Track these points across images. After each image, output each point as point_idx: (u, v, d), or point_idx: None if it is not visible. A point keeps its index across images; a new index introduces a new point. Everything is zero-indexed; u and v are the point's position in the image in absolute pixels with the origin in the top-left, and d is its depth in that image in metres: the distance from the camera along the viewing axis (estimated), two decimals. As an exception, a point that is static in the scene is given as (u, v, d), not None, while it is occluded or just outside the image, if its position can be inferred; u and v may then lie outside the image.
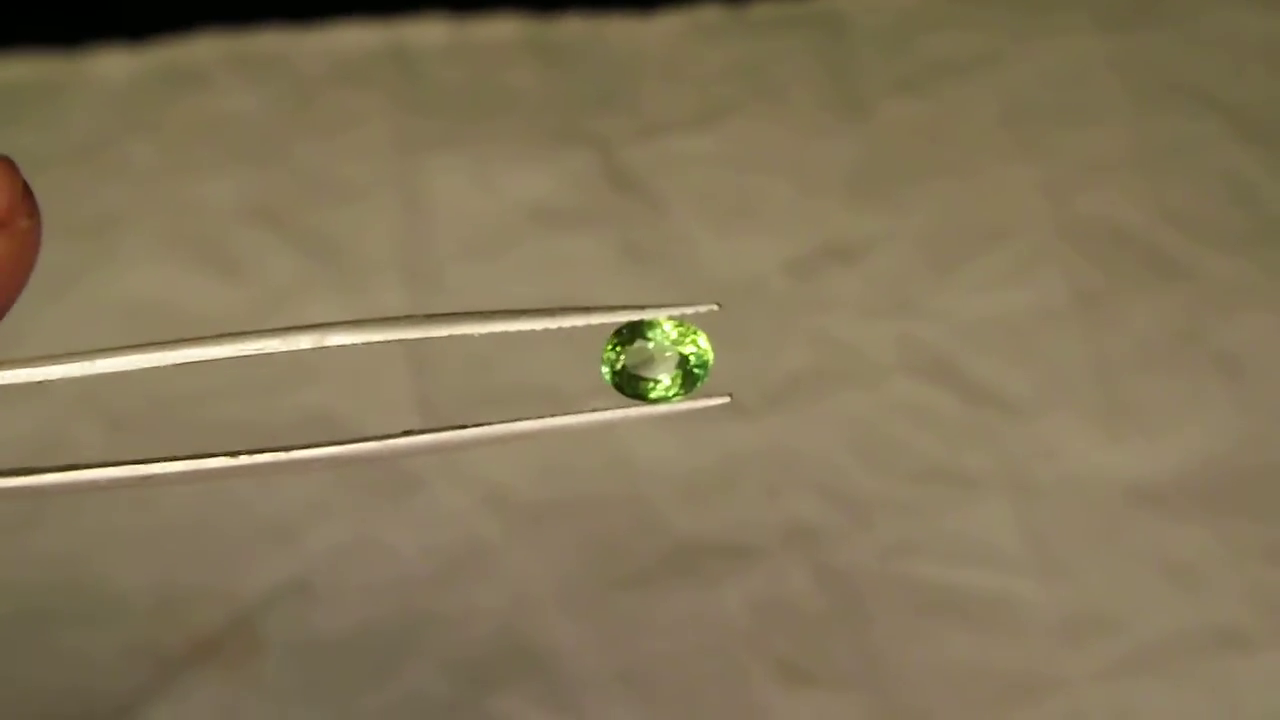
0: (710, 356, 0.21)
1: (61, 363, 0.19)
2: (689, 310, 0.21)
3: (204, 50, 0.57)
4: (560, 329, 0.20)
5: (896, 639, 0.44)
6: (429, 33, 0.58)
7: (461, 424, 0.20)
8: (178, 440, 0.48)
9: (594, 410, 0.20)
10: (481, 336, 0.56)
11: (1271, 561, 0.45)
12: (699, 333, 0.21)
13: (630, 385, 0.21)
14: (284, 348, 0.19)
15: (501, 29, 0.58)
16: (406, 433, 0.20)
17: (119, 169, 0.55)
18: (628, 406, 0.21)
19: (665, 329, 0.21)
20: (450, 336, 0.55)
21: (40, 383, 0.19)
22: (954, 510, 0.46)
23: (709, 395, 0.21)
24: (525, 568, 0.45)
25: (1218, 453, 0.47)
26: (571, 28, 0.58)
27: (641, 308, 0.21)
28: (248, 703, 0.43)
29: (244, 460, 0.20)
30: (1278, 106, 0.55)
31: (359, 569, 0.45)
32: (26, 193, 0.19)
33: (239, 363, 0.54)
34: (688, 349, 0.21)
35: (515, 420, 0.20)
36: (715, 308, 0.21)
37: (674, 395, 0.21)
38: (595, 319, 0.20)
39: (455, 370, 0.50)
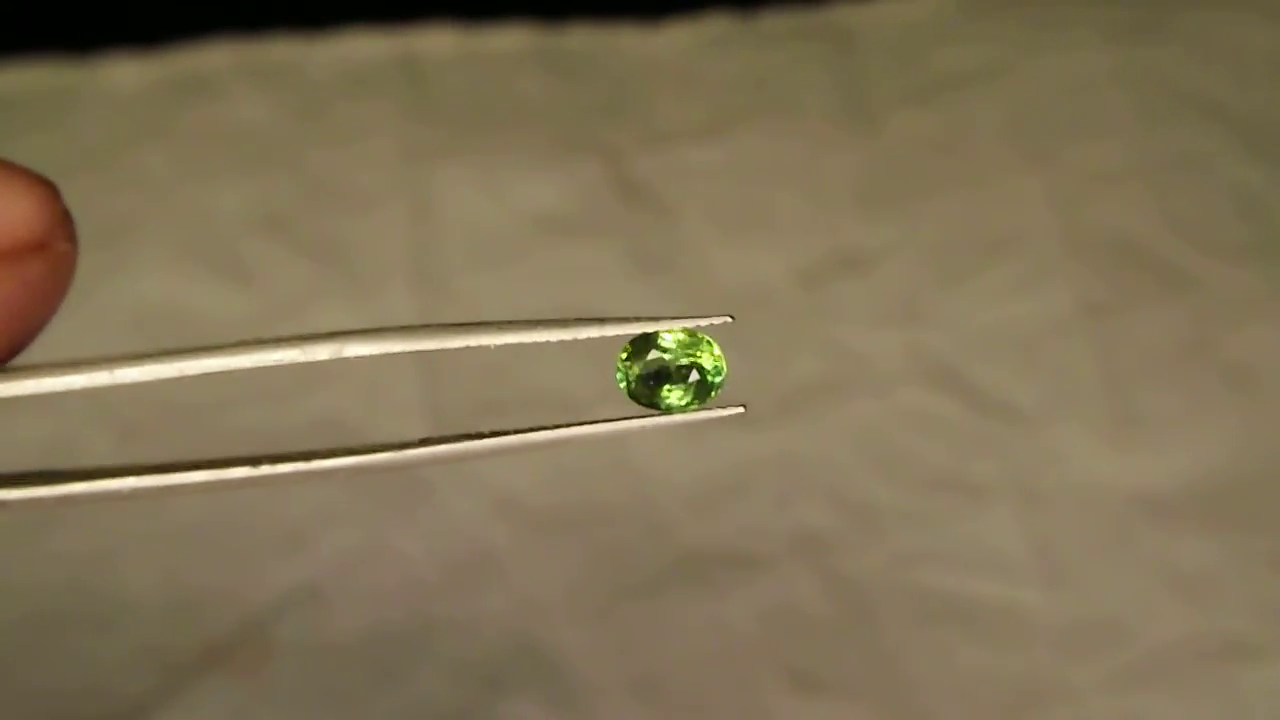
0: (725, 366, 0.21)
1: (83, 372, 0.19)
2: (703, 321, 0.21)
3: (215, 59, 0.58)
4: (575, 340, 0.20)
5: (905, 647, 0.44)
6: (438, 42, 0.58)
7: (478, 433, 0.20)
8: (188, 446, 0.48)
9: (609, 420, 0.21)
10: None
11: (1278, 572, 0.45)
12: (713, 343, 0.21)
13: (645, 395, 0.21)
14: (303, 358, 0.20)
15: (511, 39, 0.58)
16: (424, 441, 0.20)
17: (130, 177, 0.55)
18: (642, 416, 0.21)
19: (680, 339, 0.21)
20: (467, 354, 0.55)
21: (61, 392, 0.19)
22: (962, 519, 0.46)
23: (723, 405, 0.21)
24: (534, 574, 0.45)
25: (1225, 463, 0.47)
26: (581, 38, 0.58)
27: (656, 319, 0.21)
28: (258, 707, 0.43)
29: (265, 470, 0.20)
30: (1285, 120, 0.55)
31: (369, 575, 0.45)
32: (66, 216, 0.19)
33: (246, 376, 0.54)
34: (703, 359, 0.21)
35: (531, 430, 0.20)
36: (729, 319, 0.21)
37: (689, 405, 0.21)
38: (610, 330, 0.21)
39: (466, 376, 0.50)
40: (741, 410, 0.21)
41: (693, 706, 0.43)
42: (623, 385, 0.21)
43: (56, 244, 0.18)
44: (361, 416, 0.49)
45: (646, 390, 0.21)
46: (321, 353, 0.20)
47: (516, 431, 0.20)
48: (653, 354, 0.21)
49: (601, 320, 0.21)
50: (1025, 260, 0.52)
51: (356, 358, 0.54)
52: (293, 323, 0.52)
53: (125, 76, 0.57)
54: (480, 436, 0.20)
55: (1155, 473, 0.47)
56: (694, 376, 0.21)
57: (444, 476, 0.47)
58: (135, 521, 0.46)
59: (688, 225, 0.54)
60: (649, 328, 0.21)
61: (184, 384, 0.20)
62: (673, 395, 0.21)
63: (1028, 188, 0.54)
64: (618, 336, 0.21)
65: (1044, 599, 0.45)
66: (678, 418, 0.21)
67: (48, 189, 0.18)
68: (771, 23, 0.58)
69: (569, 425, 0.20)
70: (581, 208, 0.54)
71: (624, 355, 0.21)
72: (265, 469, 0.20)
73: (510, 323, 0.20)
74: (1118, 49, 0.57)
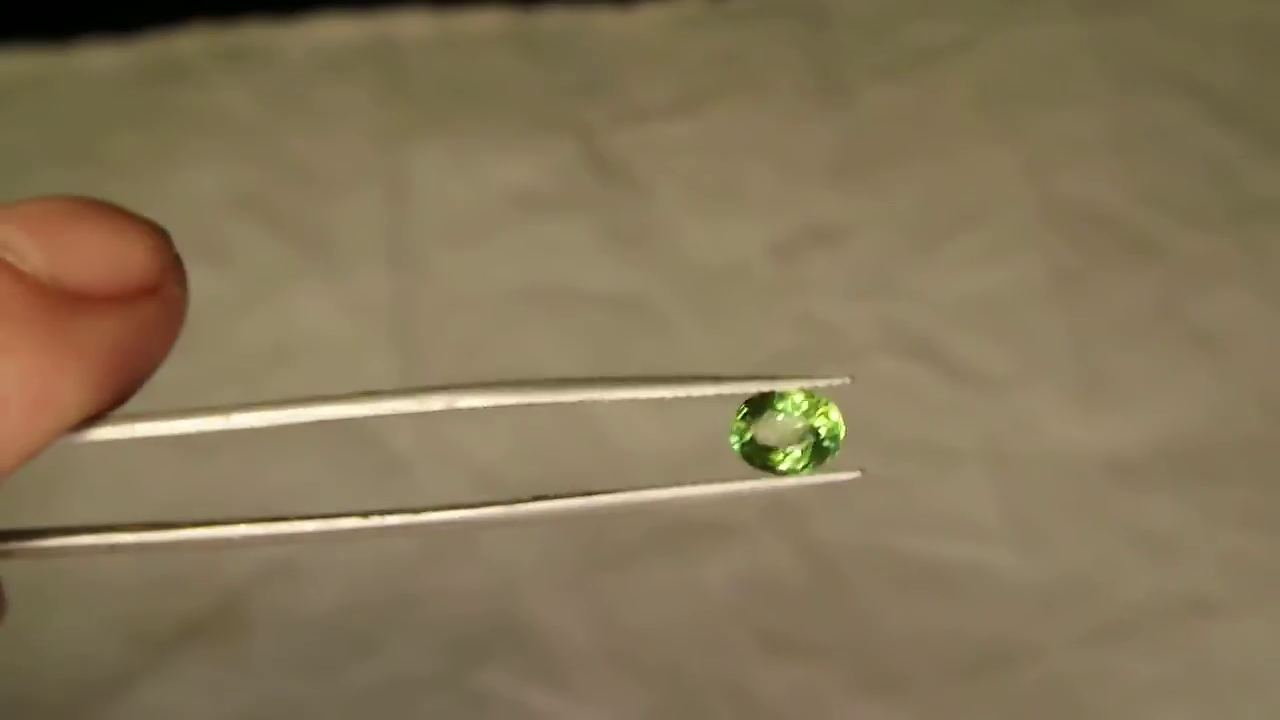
0: (842, 431, 0.21)
1: (200, 416, 0.19)
2: (820, 383, 0.20)
3: (190, 44, 0.58)
4: (688, 396, 0.20)
5: (877, 610, 0.44)
6: (413, 25, 0.58)
7: (587, 491, 0.20)
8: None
9: (718, 481, 0.20)
10: (470, 320, 0.56)
11: (1245, 530, 0.45)
12: (830, 405, 0.21)
13: (759, 457, 0.21)
14: (417, 408, 0.20)
15: (485, 21, 0.58)
16: (536, 498, 0.20)
17: (107, 162, 0.55)
18: (755, 478, 0.20)
19: (796, 400, 0.21)
20: (439, 321, 0.55)
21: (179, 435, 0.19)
22: (934, 484, 0.47)
23: (839, 469, 0.20)
24: (510, 546, 0.46)
25: (1193, 425, 0.47)
26: (555, 19, 0.58)
27: (774, 378, 0.20)
28: (235, 681, 0.44)
29: (375, 522, 0.20)
30: (1253, 88, 0.55)
31: (345, 548, 0.45)
32: (177, 261, 0.19)
33: (225, 355, 0.54)
34: (818, 422, 0.21)
35: (637, 489, 0.20)
36: (848, 380, 0.20)
37: (803, 468, 0.21)
38: (727, 389, 0.20)
39: (444, 355, 0.51)
40: (858, 475, 0.20)
41: (667, 673, 0.44)
42: (736, 446, 0.21)
43: (168, 288, 0.19)
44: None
45: (761, 452, 0.21)
46: (435, 404, 0.20)
47: (619, 491, 0.20)
48: (767, 415, 0.21)
49: (718, 379, 0.20)
50: (996, 229, 0.52)
51: (330, 340, 0.54)
52: (270, 302, 0.52)
53: (101, 62, 0.58)
54: (589, 494, 0.20)
55: (1124, 436, 0.47)
56: (810, 439, 0.21)
57: (420, 451, 0.48)
58: (112, 499, 0.46)
59: (661, 201, 0.54)
60: (766, 387, 0.20)
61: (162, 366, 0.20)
62: (787, 460, 0.21)
63: (999, 158, 0.54)
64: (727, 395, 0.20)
65: (1015, 561, 0.45)
66: (790, 481, 0.20)
67: (160, 236, 0.19)
68: (743, 2, 0.58)
69: (678, 486, 0.20)
70: (556, 185, 0.55)
71: (740, 415, 0.21)
72: (375, 520, 0.20)
73: (623, 379, 0.20)
74: (1088, 21, 0.57)
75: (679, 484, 0.20)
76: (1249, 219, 0.52)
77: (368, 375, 0.50)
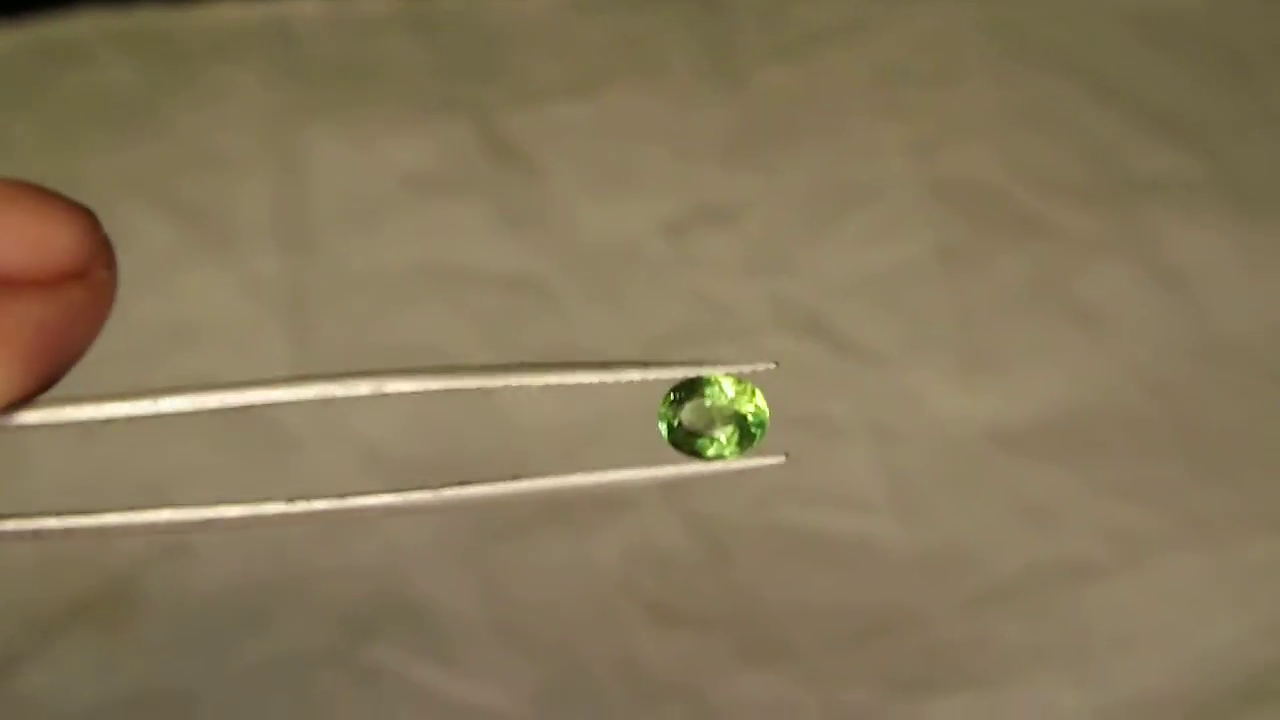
0: (767, 416, 0.21)
1: (127, 401, 0.19)
2: (746, 368, 0.20)
3: (83, 27, 0.58)
4: (616, 381, 0.20)
5: (762, 581, 0.45)
6: (307, 7, 0.58)
7: (515, 476, 0.20)
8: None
9: (645, 467, 0.20)
10: (364, 301, 0.56)
11: (1122, 498, 0.46)
12: (757, 391, 0.21)
13: (686, 442, 0.21)
14: (344, 393, 0.20)
15: (379, 2, 0.58)
16: (461, 483, 0.20)
17: (-3, 144, 0.55)
18: (680, 463, 0.21)
19: (724, 387, 0.21)
20: (333, 302, 0.54)
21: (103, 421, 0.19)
22: (821, 458, 0.48)
23: (763, 453, 0.21)
24: (401, 522, 0.46)
25: (1070, 397, 0.48)
26: (449, 0, 0.58)
27: (699, 364, 0.21)
28: (124, 660, 0.44)
29: (300, 507, 0.20)
30: (1136, 70, 0.56)
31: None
32: (105, 244, 0.19)
33: (118, 338, 0.54)
34: (745, 408, 0.21)
35: (566, 475, 0.20)
36: (773, 366, 0.20)
37: (729, 453, 0.21)
38: (653, 374, 0.20)
39: (335, 334, 0.51)
40: (782, 460, 0.21)
41: (556, 647, 0.44)
42: (664, 431, 0.21)
43: (96, 271, 0.19)
44: (230, 377, 0.49)
45: (688, 437, 0.21)
46: (362, 389, 0.20)
47: (548, 477, 0.20)
48: (695, 401, 0.21)
49: (644, 364, 0.20)
50: (885, 208, 0.53)
51: (225, 319, 0.54)
52: (163, 286, 0.52)
53: (-9, 44, 0.57)
54: (517, 479, 0.20)
55: (1007, 408, 0.48)
56: (736, 425, 0.21)
57: (311, 429, 0.48)
58: (1, 481, 0.46)
59: (556, 182, 0.55)
60: (693, 372, 0.21)
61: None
62: (713, 446, 0.21)
63: (889, 138, 0.55)
64: (659, 379, 0.21)
65: (898, 531, 0.46)
66: (716, 466, 0.21)
67: (88, 218, 0.19)
68: (639, -15, 0.59)
69: (606, 471, 0.20)
70: (451, 166, 0.55)
71: (667, 401, 0.21)
72: (300, 505, 0.20)
73: (548, 365, 0.20)
74: (976, 3, 0.58)
75: (584, 465, 0.20)
76: (1130, 197, 0.53)
77: (261, 356, 0.50)
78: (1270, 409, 0.48)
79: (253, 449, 0.47)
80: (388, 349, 0.50)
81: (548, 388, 0.52)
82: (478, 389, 0.20)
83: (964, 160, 0.54)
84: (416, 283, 0.52)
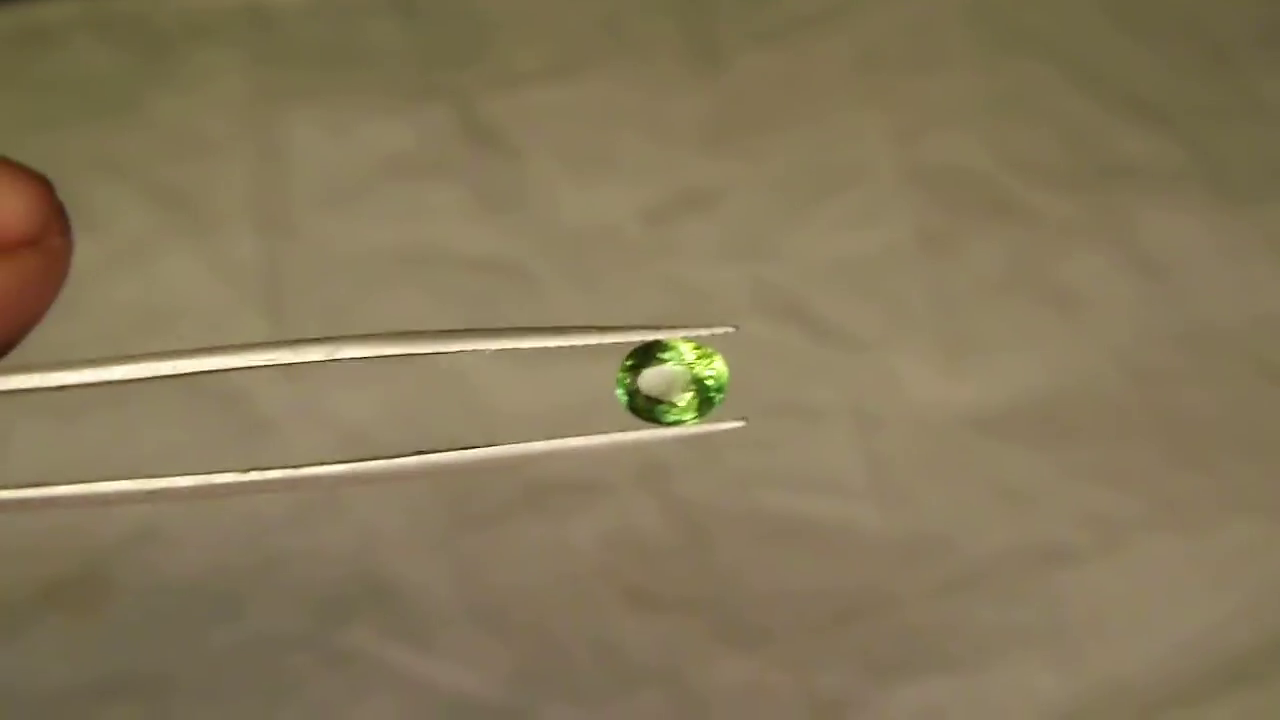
0: (727, 380, 0.21)
1: (76, 369, 0.19)
2: (705, 332, 0.20)
3: (60, 11, 0.57)
4: (574, 346, 0.20)
5: (740, 565, 0.45)
6: (288, -9, 0.58)
7: (471, 445, 0.20)
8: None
9: (606, 433, 0.20)
10: (342, 284, 0.55)
11: (1100, 482, 0.46)
12: (716, 355, 0.21)
13: (646, 408, 0.21)
14: (296, 359, 0.19)
15: (360, -15, 0.58)
16: (418, 452, 0.20)
17: (-28, 128, 0.54)
18: (639, 429, 0.20)
19: (683, 351, 0.21)
20: (311, 284, 0.54)
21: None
22: (800, 442, 0.47)
23: (722, 419, 0.20)
24: (376, 507, 0.46)
25: (1051, 382, 0.48)
26: (430, -15, 0.58)
27: (657, 328, 0.20)
28: (96, 645, 0.43)
29: (253, 476, 0.20)
30: (1115, 55, 0.56)
31: (210, 511, 0.45)
32: (60, 211, 0.19)
33: (95, 321, 0.53)
34: (704, 372, 0.21)
35: (527, 442, 0.20)
36: (733, 329, 0.20)
37: (689, 419, 0.21)
38: (610, 338, 0.20)
39: (313, 314, 0.51)
40: (742, 424, 0.20)
41: (532, 630, 0.44)
42: (622, 397, 0.21)
43: (50, 238, 0.18)
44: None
45: (647, 403, 0.21)
46: (315, 354, 0.19)
47: (510, 443, 0.20)
48: (654, 366, 0.21)
49: (603, 328, 0.20)
50: (865, 193, 0.53)
51: (205, 301, 0.53)
52: (140, 268, 0.52)
53: (-34, 28, 0.57)
54: (473, 448, 0.20)
55: (985, 393, 0.48)
56: (695, 390, 0.21)
57: (287, 413, 0.48)
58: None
59: (535, 166, 0.54)
60: (650, 336, 0.20)
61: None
62: (673, 412, 0.21)
63: (869, 123, 0.55)
64: (621, 345, 0.20)
65: (876, 516, 0.46)
66: (674, 431, 0.20)
67: (41, 184, 0.18)
68: (620, -33, 0.59)
69: (564, 439, 0.20)
70: (430, 150, 0.55)
71: (626, 366, 0.21)
72: (253, 475, 0.20)
73: (505, 329, 0.20)
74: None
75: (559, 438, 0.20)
76: (1108, 182, 0.53)
77: (240, 339, 0.50)
78: (1247, 394, 0.48)
79: (230, 433, 0.47)
80: (366, 332, 0.50)
81: (525, 368, 0.51)
82: (433, 353, 0.20)
83: (944, 146, 0.54)
84: (395, 266, 0.52)
